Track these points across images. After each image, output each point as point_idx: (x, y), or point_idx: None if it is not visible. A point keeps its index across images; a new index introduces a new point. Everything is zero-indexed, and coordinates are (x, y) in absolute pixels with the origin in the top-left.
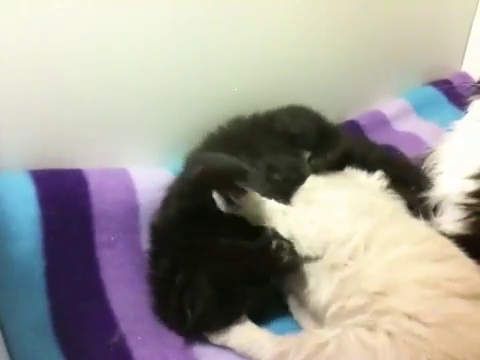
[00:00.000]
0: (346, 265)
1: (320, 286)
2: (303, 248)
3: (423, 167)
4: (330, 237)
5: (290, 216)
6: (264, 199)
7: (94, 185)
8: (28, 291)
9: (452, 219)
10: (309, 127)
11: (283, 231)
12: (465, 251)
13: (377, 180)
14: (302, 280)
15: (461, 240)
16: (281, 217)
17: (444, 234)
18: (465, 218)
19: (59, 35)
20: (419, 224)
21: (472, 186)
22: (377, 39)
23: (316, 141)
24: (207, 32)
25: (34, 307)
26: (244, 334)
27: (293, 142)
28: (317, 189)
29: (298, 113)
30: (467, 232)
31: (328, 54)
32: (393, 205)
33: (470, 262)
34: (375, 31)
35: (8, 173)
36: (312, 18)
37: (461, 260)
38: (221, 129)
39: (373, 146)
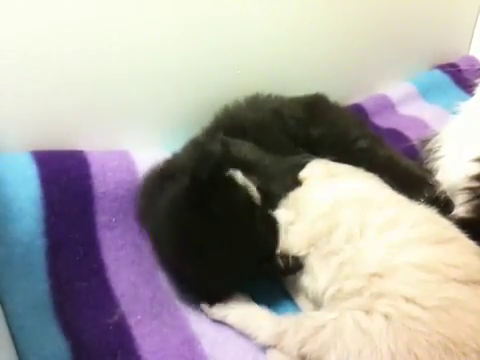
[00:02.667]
0: (342, 249)
1: (318, 274)
2: (297, 253)
3: (426, 149)
4: (315, 231)
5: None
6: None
7: (96, 166)
8: (29, 270)
9: (455, 202)
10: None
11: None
12: (468, 234)
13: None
14: (302, 272)
15: (464, 223)
16: None
17: (447, 217)
18: (468, 201)
19: (62, 18)
20: (417, 206)
21: (476, 169)
22: (384, 22)
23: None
24: (209, 15)
25: (35, 286)
26: (243, 312)
27: (297, 142)
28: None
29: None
30: (470, 215)
31: (334, 37)
32: (387, 190)
33: (471, 245)
34: (382, 14)
35: (10, 154)
36: (318, 1)
37: (462, 243)
38: (229, 113)
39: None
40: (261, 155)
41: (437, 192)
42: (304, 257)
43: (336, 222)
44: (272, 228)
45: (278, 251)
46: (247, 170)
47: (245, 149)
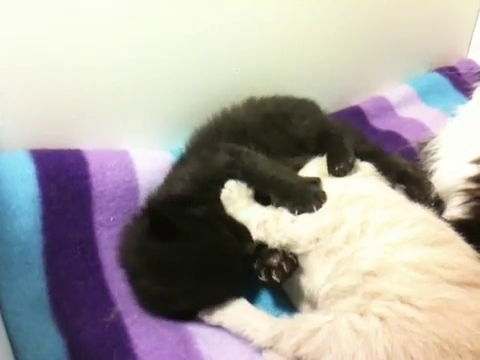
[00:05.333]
0: (341, 249)
1: (316, 272)
2: (303, 245)
3: (424, 152)
4: (319, 227)
5: (280, 221)
6: (256, 207)
7: (94, 165)
8: (26, 268)
9: (453, 204)
10: (314, 130)
11: (277, 237)
12: (465, 236)
13: (370, 166)
14: (300, 271)
15: (461, 225)
16: (274, 224)
17: (444, 219)
18: (465, 203)
19: (61, 16)
20: (416, 207)
21: (473, 171)
22: (384, 25)
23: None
24: (209, 15)
25: (32, 284)
26: (239, 315)
27: (300, 145)
28: None
29: (307, 114)
30: (467, 217)
31: (333, 39)
32: (388, 190)
33: (466, 247)
34: (382, 17)
35: (9, 152)
36: (318, 2)
37: (457, 245)
38: (229, 114)
39: (364, 139)
40: (272, 164)
41: (429, 191)
42: (304, 255)
43: (341, 220)
44: (241, 235)
45: (276, 246)
46: (253, 179)
47: (255, 158)
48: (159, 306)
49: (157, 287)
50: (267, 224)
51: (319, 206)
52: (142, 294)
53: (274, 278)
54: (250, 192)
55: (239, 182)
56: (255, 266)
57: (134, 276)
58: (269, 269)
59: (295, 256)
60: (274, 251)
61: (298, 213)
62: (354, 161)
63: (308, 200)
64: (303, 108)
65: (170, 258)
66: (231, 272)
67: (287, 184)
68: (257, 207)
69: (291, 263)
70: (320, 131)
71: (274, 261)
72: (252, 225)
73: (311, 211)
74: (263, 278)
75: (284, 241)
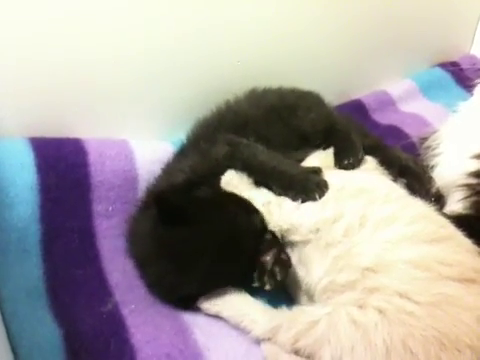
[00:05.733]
0: (340, 242)
1: (314, 265)
2: (304, 233)
3: (425, 146)
4: (320, 218)
5: (284, 207)
6: (259, 190)
7: (93, 155)
8: (24, 256)
9: (453, 199)
10: (321, 124)
11: (280, 221)
12: (465, 231)
13: (373, 160)
14: (297, 261)
15: (462, 220)
16: (277, 209)
17: (445, 214)
18: (466, 198)
19: (62, 6)
20: (416, 203)
21: (474, 166)
22: (387, 19)
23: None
24: (211, 6)
25: (29, 272)
26: (238, 306)
27: (304, 139)
28: None
29: (312, 106)
30: (468, 212)
31: (336, 33)
32: (389, 184)
33: (467, 243)
34: (385, 11)
35: (8, 140)
36: None
37: (457, 242)
38: (232, 106)
39: (366, 133)
40: (272, 155)
41: (430, 185)
42: (303, 247)
43: (341, 212)
44: (246, 208)
45: (277, 230)
46: (253, 170)
47: (254, 149)
48: (172, 293)
49: (172, 273)
50: (270, 206)
51: (321, 195)
52: (155, 282)
53: (267, 287)
54: (250, 180)
55: (239, 172)
56: None
57: (146, 265)
58: (261, 274)
59: (289, 257)
60: (270, 244)
61: (302, 202)
62: (363, 156)
63: (310, 189)
64: (308, 101)
65: (183, 243)
66: (244, 249)
67: (288, 174)
68: (260, 190)
69: (284, 267)
70: (327, 125)
71: (267, 259)
72: (257, 202)
73: (314, 200)
74: (256, 284)
75: (285, 226)
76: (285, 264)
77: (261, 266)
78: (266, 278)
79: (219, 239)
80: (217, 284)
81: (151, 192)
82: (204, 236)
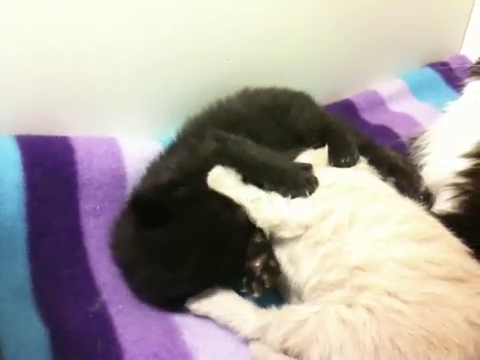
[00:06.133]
0: (329, 240)
1: (303, 263)
2: (294, 229)
3: (414, 146)
4: (310, 214)
5: (275, 202)
6: (247, 187)
7: (81, 153)
8: (9, 254)
9: (442, 198)
10: (315, 123)
11: (270, 217)
12: (454, 230)
13: (364, 160)
14: (286, 260)
15: (450, 219)
16: (266, 205)
17: (433, 213)
18: (454, 197)
19: (52, 1)
20: (406, 202)
21: (462, 165)
22: (378, 19)
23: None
24: (203, 5)
25: (15, 271)
26: (226, 306)
27: (298, 138)
28: None
29: (305, 106)
30: (456, 211)
31: (327, 32)
32: (379, 183)
33: (456, 243)
34: (376, 11)
35: None
36: None
37: (446, 241)
38: (224, 105)
39: (357, 132)
40: (262, 150)
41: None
42: (292, 246)
43: (330, 209)
44: (228, 204)
45: (265, 226)
46: (243, 166)
47: (244, 145)
48: (161, 295)
49: (161, 275)
50: (260, 202)
51: (311, 191)
52: (142, 286)
53: (255, 295)
54: (238, 176)
55: (227, 168)
56: None
57: (133, 269)
58: (250, 280)
59: (278, 264)
60: (259, 249)
61: (292, 197)
62: (359, 156)
63: (301, 184)
64: (301, 100)
65: (168, 243)
66: (231, 243)
67: (279, 169)
68: (248, 187)
69: (273, 274)
70: (321, 124)
71: (256, 265)
72: (243, 200)
73: (304, 195)
74: (244, 290)
75: (275, 221)
76: (274, 271)
77: (250, 272)
78: (254, 285)
79: (203, 235)
80: (206, 282)
81: (133, 194)
82: (187, 234)
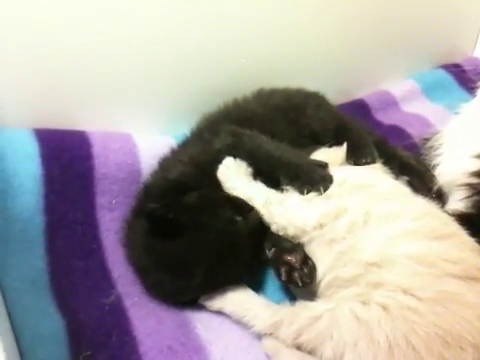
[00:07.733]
0: (344, 238)
1: (317, 260)
2: (309, 232)
3: (427, 147)
4: (324, 213)
5: (286, 205)
6: (257, 186)
7: (98, 147)
8: (27, 246)
9: (455, 198)
10: (331, 123)
11: (283, 223)
12: (467, 230)
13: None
14: None
15: (464, 219)
16: (277, 209)
17: (447, 212)
18: (468, 197)
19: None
20: (420, 200)
21: (475, 165)
22: (391, 20)
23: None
24: (220, 2)
25: (32, 262)
26: (240, 301)
27: (313, 138)
28: None
29: (320, 106)
30: (469, 211)
31: (340, 32)
32: (392, 181)
33: (470, 242)
34: (389, 11)
35: (13, 130)
36: None
37: (461, 239)
38: (239, 104)
39: (369, 131)
40: (277, 145)
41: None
42: (307, 244)
43: (344, 207)
44: (239, 209)
45: (281, 234)
46: (259, 160)
47: (259, 140)
48: (171, 298)
49: (170, 282)
50: (271, 207)
51: (326, 188)
52: (153, 289)
53: (298, 282)
54: (249, 170)
55: (238, 160)
56: (270, 255)
57: (144, 273)
58: (290, 270)
59: (314, 264)
60: (293, 247)
61: (307, 193)
62: (377, 156)
63: (316, 181)
64: (316, 100)
65: (178, 253)
66: (240, 252)
67: (295, 164)
68: (258, 185)
69: (311, 269)
70: (337, 124)
71: (294, 260)
72: (256, 203)
73: (318, 192)
74: (284, 278)
75: (291, 231)
76: (313, 268)
77: (288, 264)
78: (297, 275)
79: (213, 247)
80: (216, 287)
81: (145, 191)
82: (197, 247)
